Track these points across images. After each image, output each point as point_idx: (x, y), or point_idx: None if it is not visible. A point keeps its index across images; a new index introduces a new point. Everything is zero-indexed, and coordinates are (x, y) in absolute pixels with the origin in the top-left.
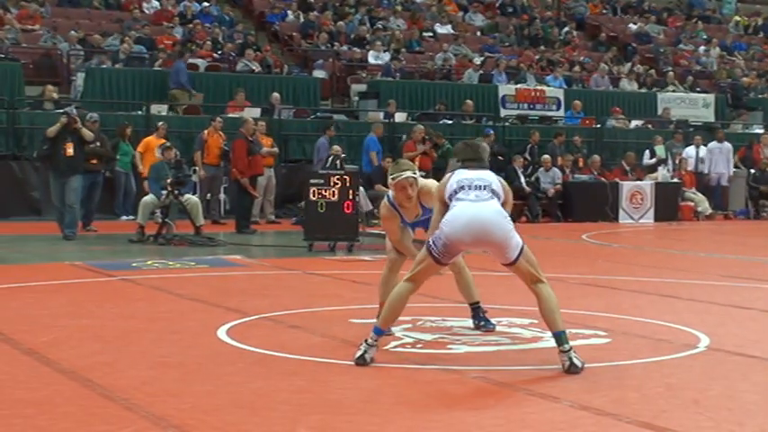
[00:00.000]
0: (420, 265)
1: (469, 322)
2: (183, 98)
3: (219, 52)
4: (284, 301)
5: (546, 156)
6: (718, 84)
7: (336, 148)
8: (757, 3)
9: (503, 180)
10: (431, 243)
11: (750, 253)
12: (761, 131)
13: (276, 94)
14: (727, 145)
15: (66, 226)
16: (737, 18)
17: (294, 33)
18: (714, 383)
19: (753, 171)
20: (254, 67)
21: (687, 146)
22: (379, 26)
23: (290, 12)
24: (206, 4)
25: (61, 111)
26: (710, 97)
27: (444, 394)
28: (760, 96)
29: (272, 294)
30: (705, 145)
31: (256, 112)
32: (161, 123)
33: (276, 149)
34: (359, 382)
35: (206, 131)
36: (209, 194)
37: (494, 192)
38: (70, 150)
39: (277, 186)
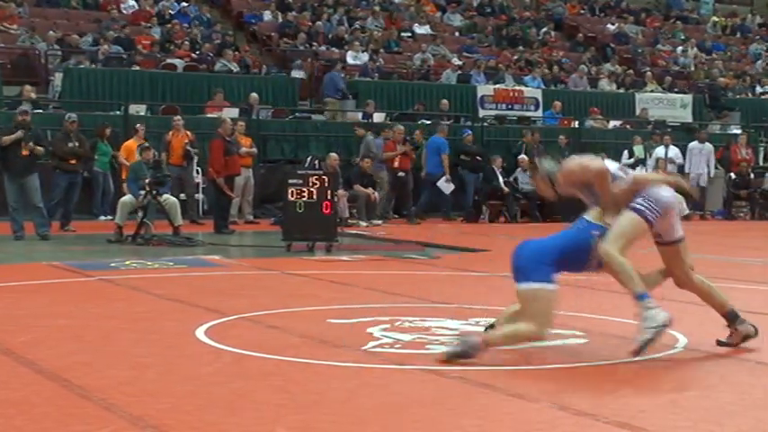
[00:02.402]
0: (633, 234)
1: (448, 322)
2: (336, 105)
3: (197, 52)
4: (262, 302)
5: (523, 156)
6: (695, 84)
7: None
8: (734, 3)
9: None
10: (645, 210)
11: (727, 253)
12: (738, 132)
13: (254, 95)
14: (709, 146)
15: (39, 225)
16: (715, 18)
17: (272, 33)
18: (692, 384)
19: (733, 176)
20: (232, 68)
21: (659, 146)
22: (357, 26)
23: (268, 12)
24: (184, 4)
25: (16, 111)
26: (688, 98)
27: (423, 395)
28: (737, 97)
29: (250, 294)
30: (675, 145)
31: (235, 112)
32: (139, 125)
33: (255, 149)
34: (338, 383)
35: (170, 132)
36: (182, 194)
37: None
38: (26, 151)
39: (255, 186)
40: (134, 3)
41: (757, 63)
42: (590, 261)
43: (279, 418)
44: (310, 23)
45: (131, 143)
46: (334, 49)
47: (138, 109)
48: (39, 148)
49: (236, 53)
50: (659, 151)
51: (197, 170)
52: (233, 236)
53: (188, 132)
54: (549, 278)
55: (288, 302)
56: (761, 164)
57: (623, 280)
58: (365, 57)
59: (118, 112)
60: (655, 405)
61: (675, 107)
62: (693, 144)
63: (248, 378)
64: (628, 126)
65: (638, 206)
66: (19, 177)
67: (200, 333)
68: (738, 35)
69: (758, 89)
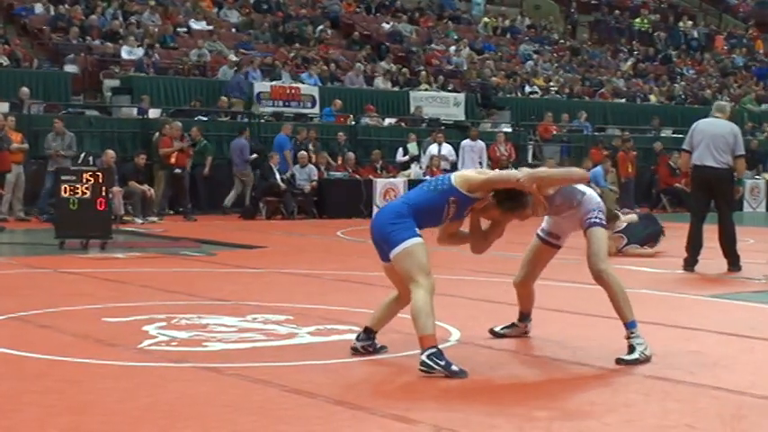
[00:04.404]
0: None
1: (225, 319)
2: (238, 105)
3: None
4: (34, 301)
5: (302, 152)
6: (468, 83)
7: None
8: (504, 5)
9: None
10: (603, 220)
11: (500, 248)
12: (509, 130)
13: (25, 89)
14: (480, 143)
15: None
16: (486, 20)
17: (44, 27)
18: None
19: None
20: (2, 61)
21: (432, 143)
22: (132, 21)
23: (39, 4)
24: None
25: None
26: (461, 96)
27: (200, 392)
28: (508, 96)
29: (21, 294)
30: (449, 142)
31: (5, 107)
32: None
33: (26, 145)
34: (113, 383)
35: None
36: None
37: None
38: None
39: (27, 183)
40: None
41: (526, 63)
42: (443, 220)
43: (49, 420)
44: (84, 17)
45: None
46: (108, 43)
47: None
48: None
49: (6, 46)
50: (432, 149)
51: None
52: (3, 233)
53: None
54: (414, 232)
55: (61, 301)
56: (529, 161)
57: (620, 303)
58: (140, 52)
59: None
60: (428, 397)
61: (449, 105)
62: (466, 142)
63: (18, 379)
64: (402, 124)
65: (598, 220)
66: None
67: None
68: (508, 36)
69: (527, 89)
